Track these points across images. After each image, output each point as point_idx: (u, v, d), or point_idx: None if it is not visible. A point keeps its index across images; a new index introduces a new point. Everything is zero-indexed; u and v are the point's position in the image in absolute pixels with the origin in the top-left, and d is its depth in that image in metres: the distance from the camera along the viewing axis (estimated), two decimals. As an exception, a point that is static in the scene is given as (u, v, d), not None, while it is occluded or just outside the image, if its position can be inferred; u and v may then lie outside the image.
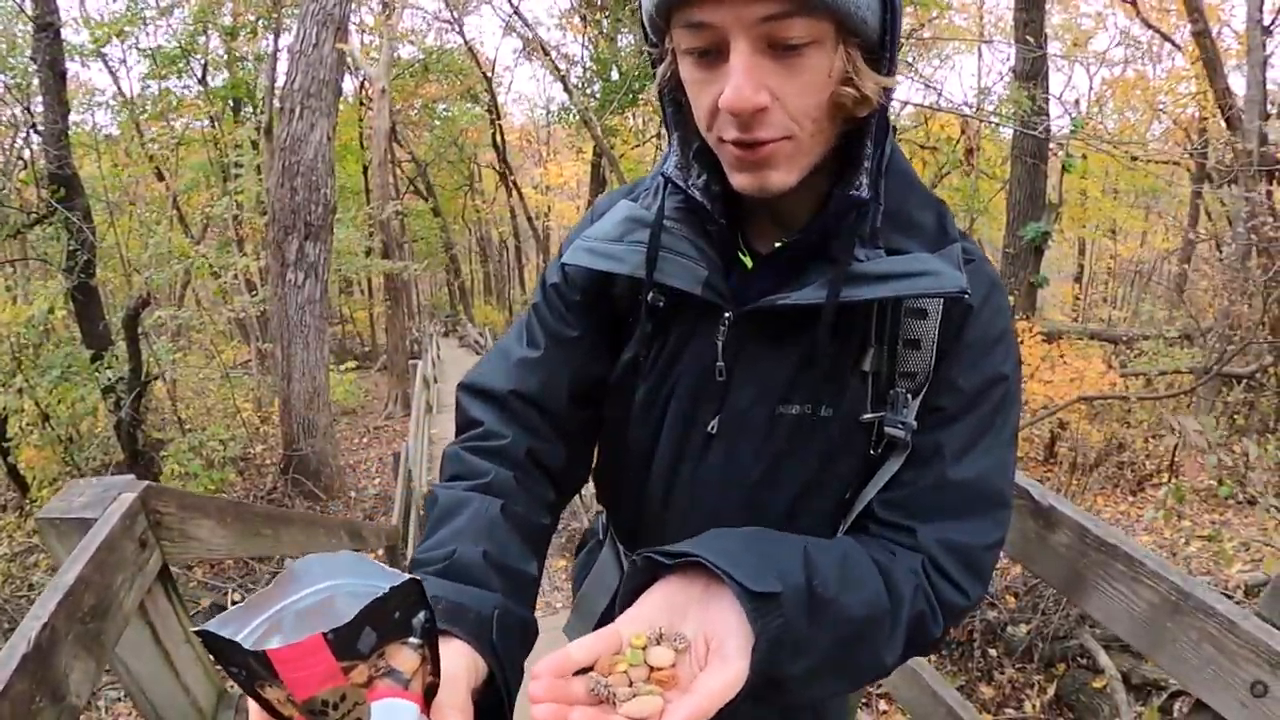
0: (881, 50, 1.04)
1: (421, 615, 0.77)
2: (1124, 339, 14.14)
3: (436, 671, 0.80)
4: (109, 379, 9.95)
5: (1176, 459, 9.97)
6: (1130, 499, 9.51)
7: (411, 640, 0.76)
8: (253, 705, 0.76)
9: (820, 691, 1.11)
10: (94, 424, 10.87)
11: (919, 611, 1.12)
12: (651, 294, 1.28)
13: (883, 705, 4.79)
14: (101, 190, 13.55)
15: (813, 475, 1.27)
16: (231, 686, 2.46)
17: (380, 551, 7.22)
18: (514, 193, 30.54)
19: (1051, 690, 4.97)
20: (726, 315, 1.23)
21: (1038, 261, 12.46)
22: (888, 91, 1.07)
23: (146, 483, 2.12)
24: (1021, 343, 9.71)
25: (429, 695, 0.79)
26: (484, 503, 1.24)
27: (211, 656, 0.78)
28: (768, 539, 1.09)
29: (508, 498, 1.27)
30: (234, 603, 7.54)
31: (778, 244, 1.20)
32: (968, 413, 1.20)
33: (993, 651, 5.32)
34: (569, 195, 33.81)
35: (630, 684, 0.87)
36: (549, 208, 29.57)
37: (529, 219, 28.44)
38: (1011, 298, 11.04)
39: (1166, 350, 12.56)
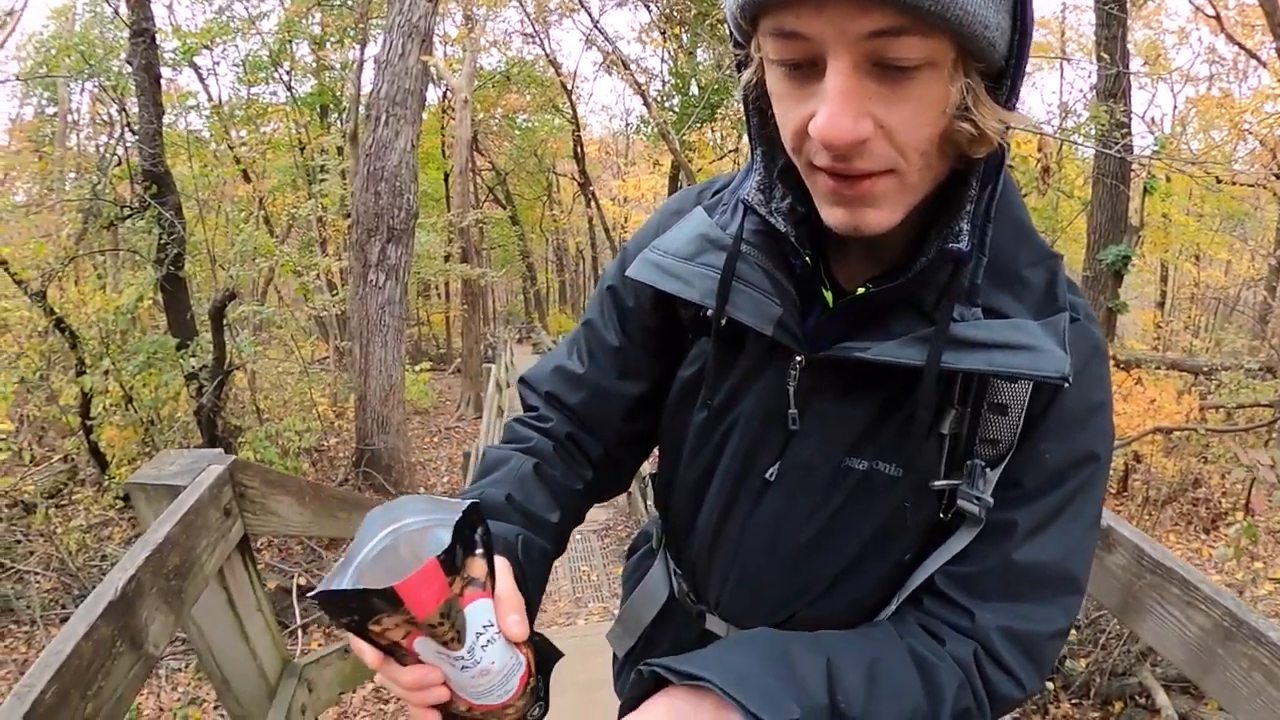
0: (1004, 78, 0.89)
1: (480, 530, 0.91)
2: (1204, 369, 13.15)
3: (493, 576, 0.93)
4: (193, 366, 10.18)
5: (1250, 496, 9.60)
6: (1204, 537, 9.25)
7: (478, 552, 0.90)
8: (365, 646, 0.87)
9: None
10: (174, 409, 11.12)
11: (963, 709, 1.04)
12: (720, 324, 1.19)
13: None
14: (192, 188, 13.83)
15: (872, 538, 1.16)
16: (296, 656, 2.53)
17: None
18: (592, 204, 30.62)
19: None
20: (799, 359, 1.13)
21: (1117, 286, 11.89)
22: (1008, 128, 0.92)
23: (234, 457, 2.21)
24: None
25: (492, 590, 0.93)
26: (520, 460, 1.31)
27: (325, 613, 0.94)
28: (789, 652, 1.01)
29: (543, 459, 1.33)
30: (299, 587, 7.86)
31: (861, 289, 1.06)
32: (1050, 491, 1.08)
33: (1050, 684, 5.15)
34: (645, 208, 33.70)
35: None
36: (626, 219, 29.50)
37: (606, 231, 28.46)
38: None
39: (1247, 382, 11.64)
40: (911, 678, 1.02)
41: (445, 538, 0.83)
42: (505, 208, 33.00)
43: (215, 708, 7.27)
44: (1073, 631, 5.21)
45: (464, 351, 20.69)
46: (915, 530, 1.14)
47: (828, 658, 1.00)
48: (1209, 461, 10.69)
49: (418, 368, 16.88)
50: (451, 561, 0.83)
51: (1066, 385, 0.96)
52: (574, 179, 33.00)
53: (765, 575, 1.26)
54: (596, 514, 12.13)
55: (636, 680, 0.99)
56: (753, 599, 1.29)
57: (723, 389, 1.24)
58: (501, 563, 0.97)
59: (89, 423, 10.62)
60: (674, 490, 1.40)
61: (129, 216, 11.35)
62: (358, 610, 0.81)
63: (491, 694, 0.93)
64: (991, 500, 1.06)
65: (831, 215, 0.96)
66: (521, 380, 1.50)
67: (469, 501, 0.88)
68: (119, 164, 12.72)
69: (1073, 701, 5.01)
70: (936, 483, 1.10)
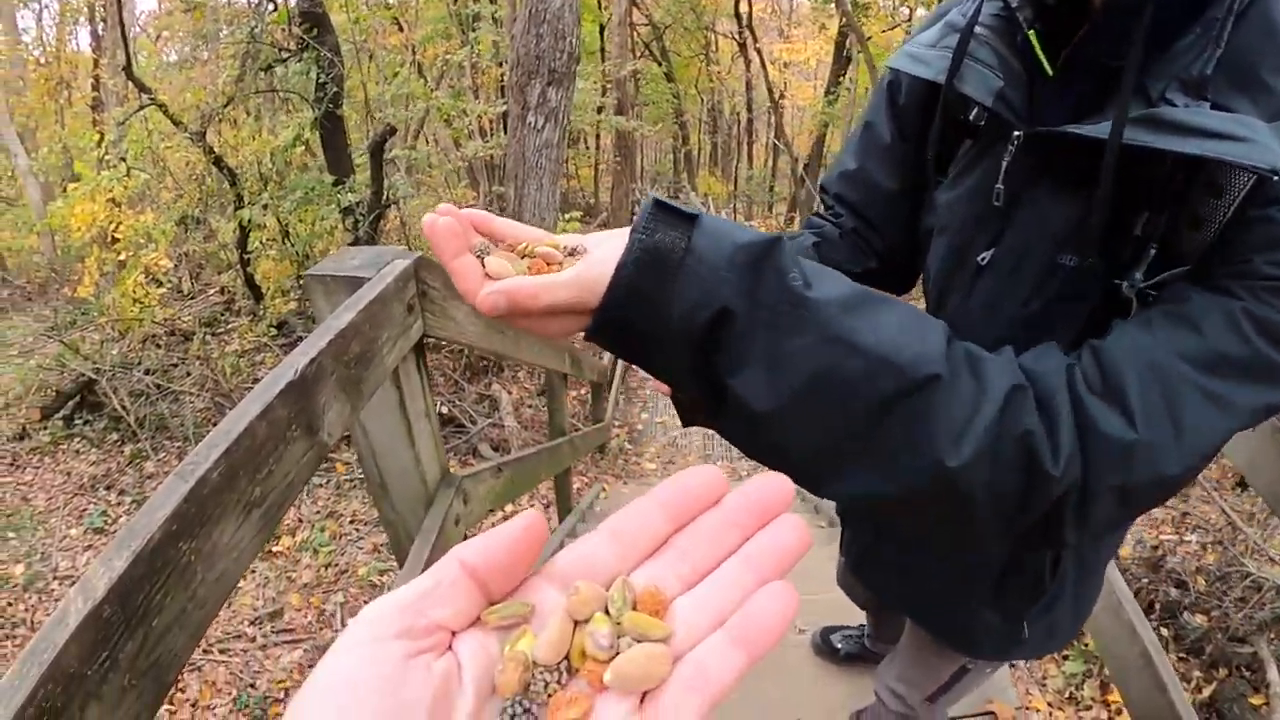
0: None
1: None
2: None
3: None
4: (350, 201, 10.28)
5: None
6: None
7: None
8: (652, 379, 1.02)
9: (815, 456, 0.88)
10: (329, 244, 11.31)
11: (1021, 430, 0.87)
12: (951, 106, 1.26)
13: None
14: (346, 35, 13.89)
15: (1075, 336, 1.08)
16: (460, 464, 2.52)
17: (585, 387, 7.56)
18: (753, 63, 29.72)
19: (1207, 692, 4.49)
20: (1016, 135, 1.14)
21: None
22: None
23: (420, 254, 2.12)
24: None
25: None
26: (806, 236, 1.52)
27: None
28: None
29: (826, 241, 1.52)
30: (440, 415, 7.98)
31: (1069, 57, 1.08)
32: (1245, 298, 0.93)
33: (1165, 631, 4.83)
34: (806, 74, 32.90)
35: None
36: (785, 85, 28.85)
37: (769, 89, 27.58)
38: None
39: None
40: (937, 335, 0.88)
41: None
42: (661, 64, 32.37)
43: (350, 521, 7.76)
44: (1201, 581, 4.94)
45: (612, 205, 20.77)
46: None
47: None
48: None
49: (566, 216, 16.86)
50: None
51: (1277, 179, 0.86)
52: (733, 38, 31.97)
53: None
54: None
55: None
56: None
57: (949, 176, 1.32)
58: None
59: (246, 256, 10.98)
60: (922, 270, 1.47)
61: (287, 59, 11.39)
62: None
63: None
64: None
65: None
66: (820, 185, 1.63)
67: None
68: (275, 9, 12.76)
69: (1180, 656, 4.70)
70: (1131, 285, 1.05)
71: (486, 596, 0.49)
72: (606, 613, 0.49)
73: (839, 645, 3.31)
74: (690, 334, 0.80)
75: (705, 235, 0.80)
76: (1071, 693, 4.13)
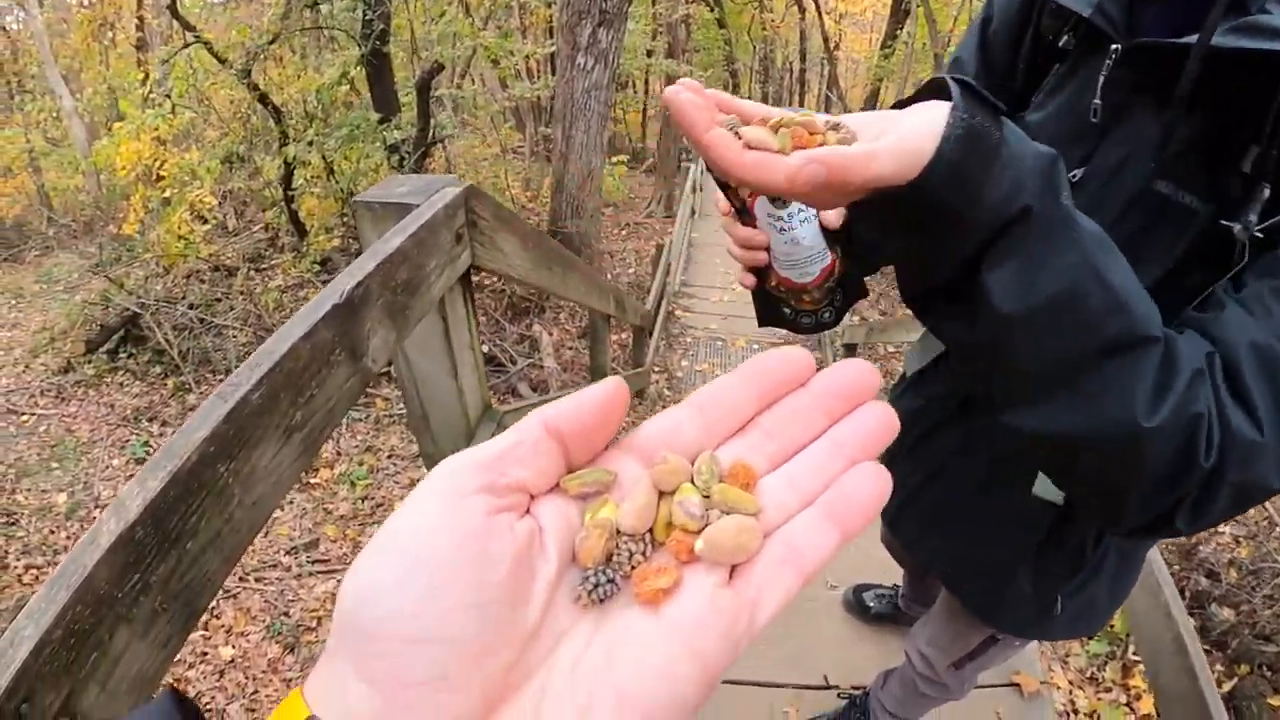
0: None
1: None
2: None
3: None
4: (396, 138, 10.29)
5: None
6: None
7: None
8: (722, 198, 1.06)
9: (1027, 374, 0.85)
10: (373, 180, 11.31)
11: (1196, 411, 0.84)
12: (1046, 24, 1.25)
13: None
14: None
15: (1160, 275, 1.07)
16: (498, 402, 2.57)
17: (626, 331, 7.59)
18: (808, 12, 29.25)
19: (1227, 687, 4.43)
20: (1114, 48, 1.11)
21: None
22: None
23: (469, 183, 2.07)
24: None
25: None
26: None
27: (707, 165, 0.88)
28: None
29: None
30: (483, 354, 8.09)
31: None
32: None
33: (1192, 622, 4.73)
34: (862, 26, 32.45)
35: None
36: (840, 36, 28.45)
37: (824, 38, 27.14)
38: None
39: None
40: (1148, 303, 0.84)
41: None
42: (713, 10, 32.01)
43: (389, 455, 7.91)
44: (1233, 573, 4.91)
45: (660, 151, 20.60)
46: (1205, 279, 1.02)
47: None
48: None
49: (613, 159, 16.81)
50: None
51: None
52: (789, -15, 31.53)
53: None
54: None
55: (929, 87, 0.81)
56: None
57: (1040, 94, 1.29)
58: None
59: (290, 193, 11.03)
60: None
61: (332, -2, 11.35)
62: None
63: (796, 269, 1.10)
64: None
65: None
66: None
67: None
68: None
69: (1204, 649, 4.59)
70: (1234, 225, 0.98)
71: (567, 462, 0.47)
72: (694, 484, 0.48)
73: (870, 604, 3.28)
74: (992, 223, 0.76)
75: (1010, 130, 0.76)
76: (1093, 673, 4.09)
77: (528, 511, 0.45)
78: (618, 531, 0.46)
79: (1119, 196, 1.13)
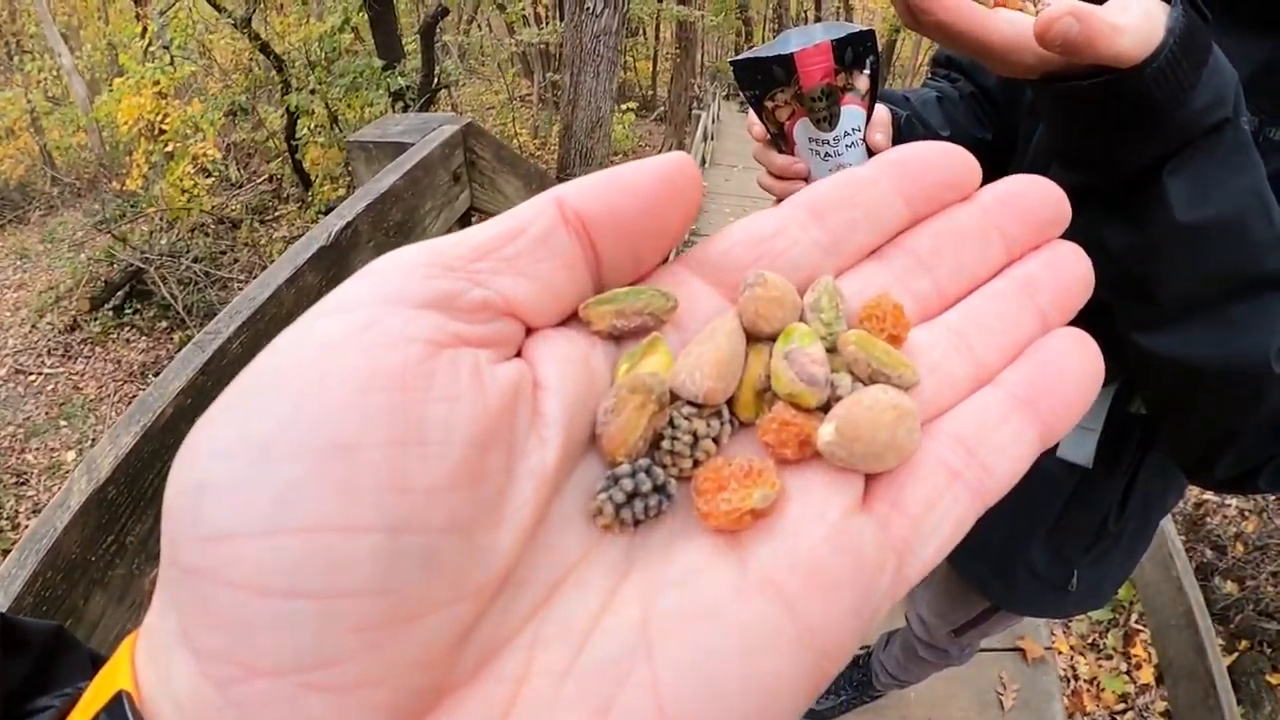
0: None
1: (871, 58, 1.00)
2: None
3: (873, 106, 1.03)
4: (400, 84, 10.25)
5: None
6: None
7: (865, 71, 1.00)
8: (757, 122, 1.07)
9: (1182, 290, 0.81)
10: (381, 130, 11.35)
11: None
12: None
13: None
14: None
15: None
16: None
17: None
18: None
19: (1227, 662, 4.35)
20: None
21: None
22: None
23: (469, 119, 1.98)
24: None
25: (869, 114, 1.03)
26: (928, 91, 1.40)
27: (738, 82, 1.05)
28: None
29: (947, 97, 1.41)
30: None
31: None
32: None
33: (1202, 596, 4.72)
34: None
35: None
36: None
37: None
38: None
39: None
40: None
41: (838, 32, 0.96)
42: (728, -47, 31.76)
43: None
44: (1239, 547, 4.87)
45: (670, 99, 20.51)
46: None
47: None
48: None
49: (623, 107, 16.74)
50: (841, 54, 0.96)
51: None
52: (806, -69, 31.19)
53: None
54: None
55: None
56: None
57: None
58: (884, 109, 1.11)
59: (294, 143, 11.06)
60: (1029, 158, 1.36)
61: (334, -62, 11.29)
62: (761, 81, 1.00)
63: None
64: None
65: None
66: (931, 60, 1.59)
67: (868, 27, 0.97)
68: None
69: None
70: None
71: (595, 276, 0.29)
72: (808, 328, 0.30)
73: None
74: (1191, 129, 0.74)
75: (1216, 47, 0.74)
76: (1095, 640, 4.07)
77: (518, 353, 0.28)
78: (673, 399, 0.28)
79: None
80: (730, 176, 14.14)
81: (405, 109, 10.29)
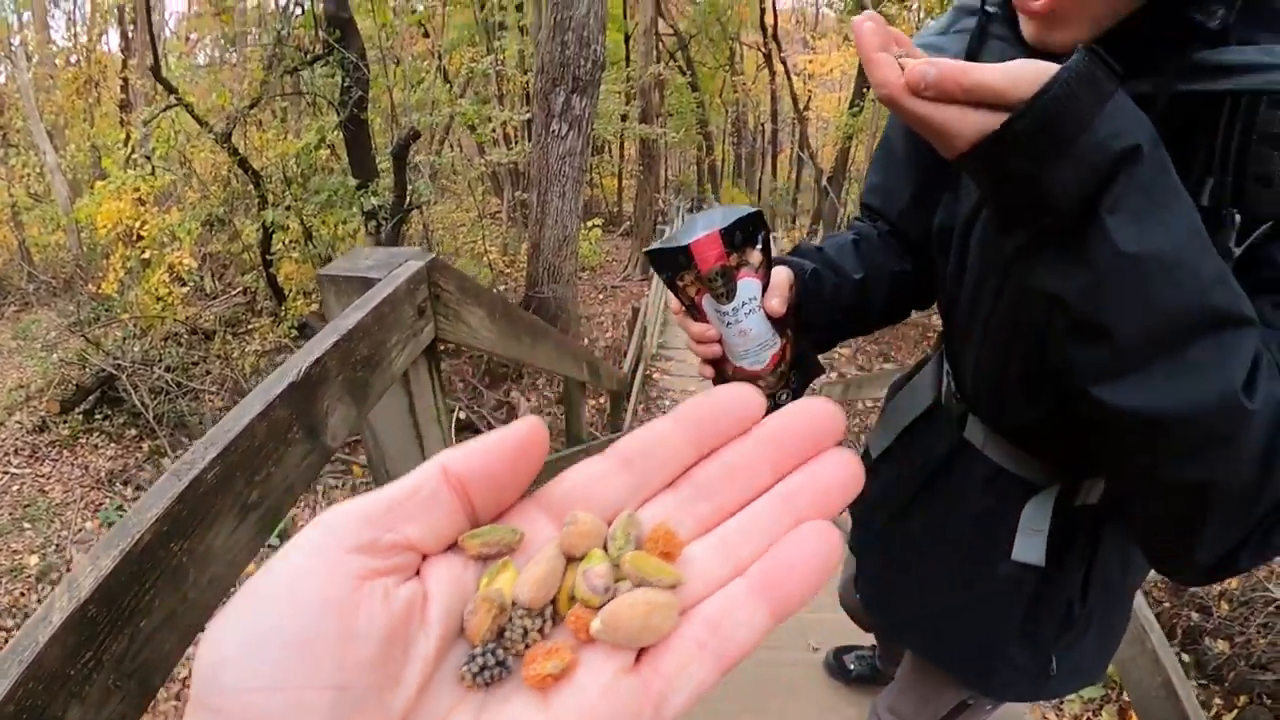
0: None
1: (762, 234, 1.18)
2: None
3: (768, 274, 1.22)
4: (373, 204, 10.40)
5: None
6: None
7: (757, 246, 1.18)
8: (674, 298, 1.24)
9: (1138, 332, 0.85)
10: (352, 246, 11.40)
11: (1258, 367, 0.85)
12: None
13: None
14: (373, 40, 14.06)
15: None
16: None
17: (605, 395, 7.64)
18: (778, 75, 29.79)
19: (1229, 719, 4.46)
20: None
21: None
22: None
23: (433, 255, 2.09)
24: None
25: (764, 283, 1.21)
26: (846, 235, 1.57)
27: (652, 268, 1.26)
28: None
29: (864, 238, 1.56)
30: (458, 420, 8.40)
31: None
32: None
33: (1185, 657, 4.80)
34: (832, 85, 32.88)
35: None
36: (810, 97, 28.88)
37: (793, 98, 27.54)
38: None
39: None
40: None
41: (726, 220, 1.14)
42: (686, 74, 32.41)
43: None
44: (1224, 606, 4.93)
45: (636, 214, 20.87)
46: None
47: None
48: None
49: (588, 224, 16.96)
50: (730, 238, 1.14)
51: None
52: (759, 49, 31.98)
53: (1015, 349, 1.32)
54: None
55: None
56: (1000, 376, 1.37)
57: None
58: (784, 272, 1.26)
59: (269, 257, 11.18)
60: (947, 282, 1.46)
61: (313, 62, 11.61)
62: (669, 265, 1.17)
63: (747, 358, 1.24)
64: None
65: (1025, 29, 1.08)
66: (860, 199, 1.68)
67: (755, 209, 1.16)
68: (302, 13, 12.92)
69: (1201, 683, 4.68)
70: (1234, 253, 0.96)
71: (470, 517, 0.42)
72: (605, 551, 0.42)
73: (851, 666, 3.24)
74: (1106, 154, 0.80)
75: (1123, 91, 0.82)
76: (1088, 718, 4.08)
77: (417, 573, 0.40)
78: (514, 603, 0.40)
79: None
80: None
81: (378, 227, 10.48)
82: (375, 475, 2.30)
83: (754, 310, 1.19)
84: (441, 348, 2.23)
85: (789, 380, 1.29)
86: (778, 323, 1.23)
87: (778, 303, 1.20)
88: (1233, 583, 4.99)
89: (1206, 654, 4.72)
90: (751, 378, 1.25)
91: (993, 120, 0.82)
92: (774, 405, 1.22)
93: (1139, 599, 2.45)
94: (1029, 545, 1.43)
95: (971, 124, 0.83)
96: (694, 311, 1.23)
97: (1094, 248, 0.83)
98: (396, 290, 1.85)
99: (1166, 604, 4.94)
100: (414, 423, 2.15)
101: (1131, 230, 0.81)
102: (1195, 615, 4.87)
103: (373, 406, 1.79)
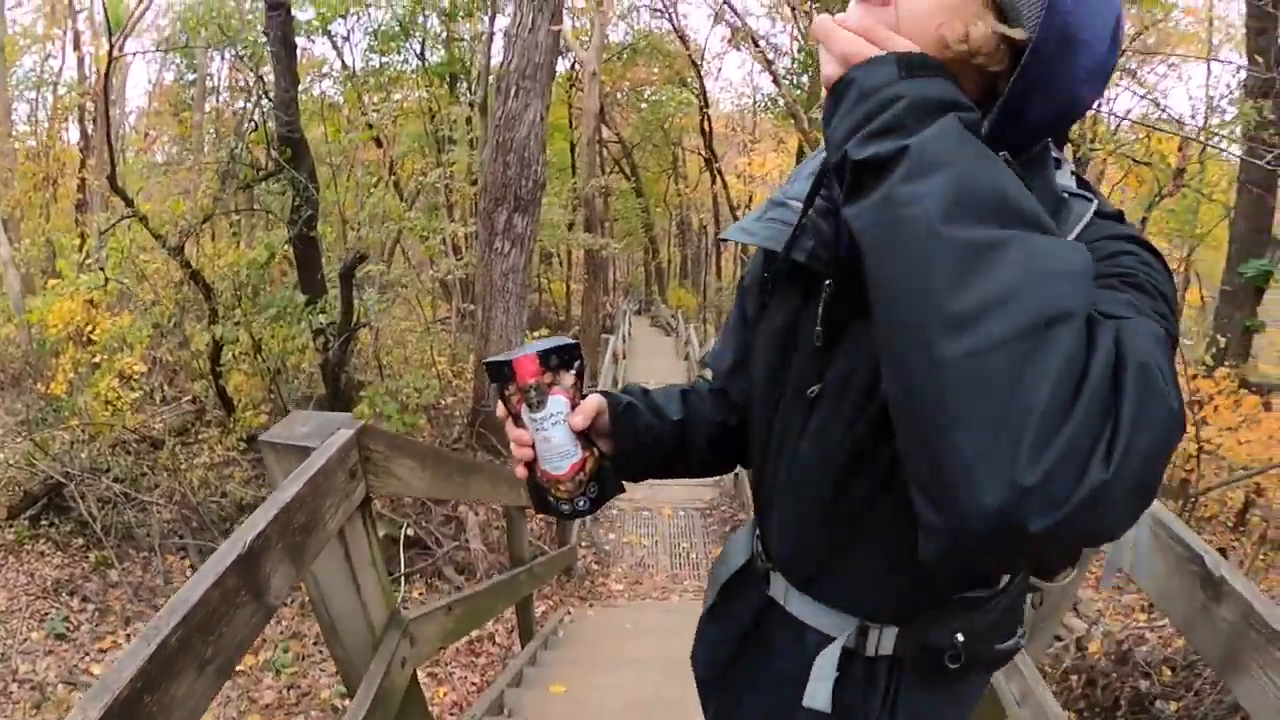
0: None
1: (578, 362, 1.43)
2: (1349, 402, 11.55)
3: (579, 396, 1.42)
4: (321, 322, 10.59)
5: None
6: (1333, 586, 8.59)
7: (572, 370, 1.41)
8: (501, 405, 1.42)
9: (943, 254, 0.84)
10: (300, 360, 11.61)
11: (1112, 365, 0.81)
12: (773, 267, 1.45)
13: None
14: (325, 152, 14.32)
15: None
16: (400, 609, 2.69)
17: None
18: (717, 180, 30.54)
19: None
20: (828, 283, 1.30)
21: (1256, 303, 10.90)
22: (1018, 49, 1.01)
23: (362, 423, 2.34)
24: (1218, 392, 8.86)
25: (575, 402, 1.40)
26: (680, 386, 1.70)
27: (488, 375, 1.46)
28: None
29: (695, 390, 1.70)
30: (407, 537, 8.71)
31: None
32: None
33: None
34: (770, 185, 33.48)
35: None
36: (750, 197, 29.47)
37: (731, 208, 28.36)
38: (1221, 340, 10.17)
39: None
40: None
41: (545, 346, 1.39)
42: (630, 180, 33.04)
43: (315, 642, 7.64)
44: (1169, 672, 4.93)
45: (583, 321, 20.98)
46: None
47: None
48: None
49: (535, 334, 17.16)
50: (546, 360, 1.36)
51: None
52: (700, 154, 32.85)
53: (810, 493, 1.39)
54: (701, 493, 12.26)
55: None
56: (800, 524, 1.45)
57: (777, 325, 1.45)
58: (596, 397, 1.47)
59: (218, 369, 11.26)
60: (754, 442, 1.57)
61: (265, 179, 11.90)
62: (497, 375, 1.39)
63: (550, 462, 1.41)
64: None
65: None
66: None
67: (573, 341, 1.44)
68: (255, 129, 13.21)
69: None
70: None
71: None
72: None
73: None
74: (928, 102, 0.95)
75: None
76: None
77: None
78: None
79: (855, 395, 1.25)
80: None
81: (326, 345, 10.66)
82: (316, 612, 2.49)
83: (559, 422, 1.38)
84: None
85: (588, 490, 1.45)
86: (581, 436, 1.41)
87: (580, 419, 1.38)
88: (1177, 643, 5.07)
89: (1160, 716, 4.76)
90: (554, 480, 1.42)
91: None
92: (573, 510, 1.47)
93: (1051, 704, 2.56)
94: (817, 692, 1.42)
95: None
96: (517, 420, 1.41)
97: (891, 178, 0.92)
98: (329, 460, 2.09)
99: (1114, 674, 4.96)
100: (350, 568, 2.36)
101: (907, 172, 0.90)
102: (1144, 683, 4.88)
103: (310, 563, 2.02)
